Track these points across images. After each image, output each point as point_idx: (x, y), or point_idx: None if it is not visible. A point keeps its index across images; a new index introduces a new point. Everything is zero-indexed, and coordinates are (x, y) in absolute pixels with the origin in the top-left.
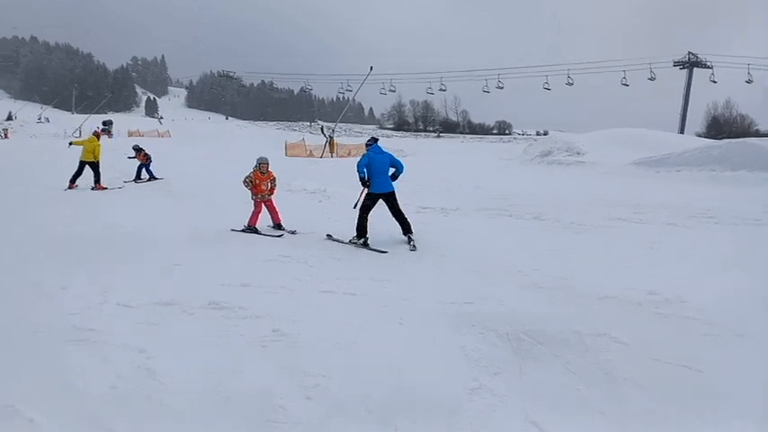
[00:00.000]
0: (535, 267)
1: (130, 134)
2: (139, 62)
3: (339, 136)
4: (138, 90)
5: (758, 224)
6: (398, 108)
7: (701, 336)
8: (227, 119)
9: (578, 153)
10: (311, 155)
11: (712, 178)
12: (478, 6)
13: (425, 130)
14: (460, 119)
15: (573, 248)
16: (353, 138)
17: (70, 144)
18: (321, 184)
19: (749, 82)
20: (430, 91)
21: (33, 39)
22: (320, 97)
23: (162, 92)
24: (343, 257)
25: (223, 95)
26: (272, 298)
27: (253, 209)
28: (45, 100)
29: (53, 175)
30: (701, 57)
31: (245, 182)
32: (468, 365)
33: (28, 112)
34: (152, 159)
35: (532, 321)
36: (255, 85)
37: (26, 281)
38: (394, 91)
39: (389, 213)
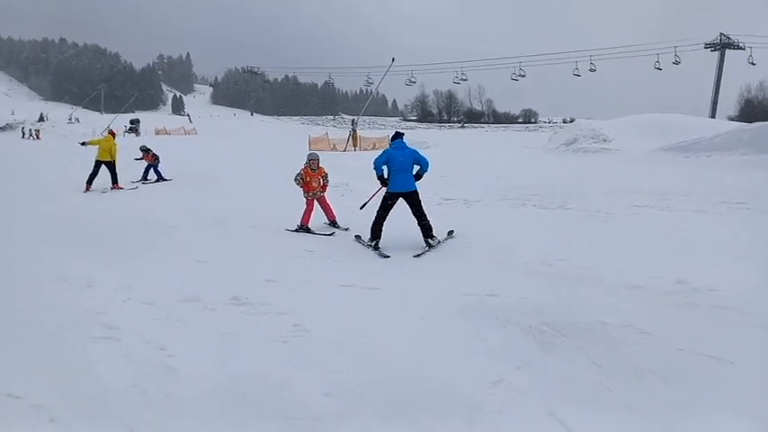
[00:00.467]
0: (560, 257)
1: (157, 132)
2: (165, 60)
3: (362, 129)
4: (165, 88)
5: None
6: (422, 99)
7: (732, 326)
8: (251, 114)
9: (604, 140)
10: (334, 148)
11: (743, 163)
12: None
13: (449, 121)
14: (485, 108)
15: (598, 237)
16: (377, 130)
17: (83, 144)
18: (344, 178)
19: None
20: (456, 80)
21: (62, 40)
22: (343, 90)
23: (188, 89)
24: (366, 251)
25: (248, 91)
26: (295, 293)
27: (305, 207)
28: (75, 100)
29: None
30: (734, 38)
31: (295, 179)
32: (490, 359)
33: (58, 112)
34: (160, 160)
35: (556, 313)
36: (279, 79)
37: (54, 276)
38: (415, 82)
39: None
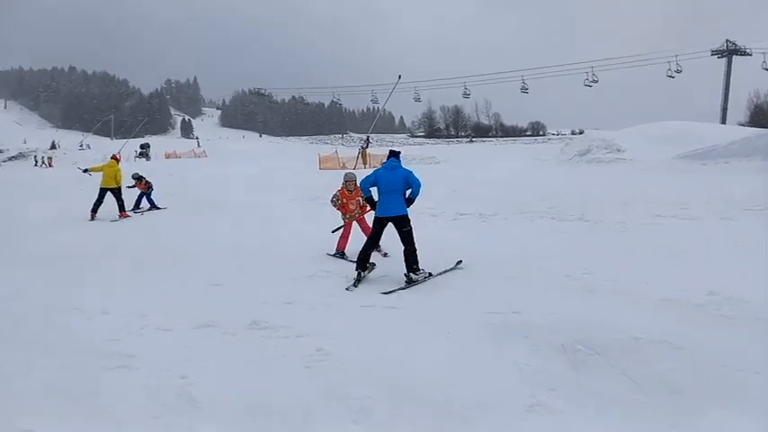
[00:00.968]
0: (584, 271)
1: (167, 156)
2: (173, 84)
3: (371, 146)
4: (173, 112)
5: None
6: (429, 115)
7: None
8: (260, 136)
9: (618, 150)
10: (344, 167)
11: (763, 169)
12: (505, 7)
13: (457, 136)
14: (492, 122)
15: (621, 249)
16: (385, 147)
17: (86, 170)
18: None
19: None
20: (466, 94)
21: (72, 68)
22: (350, 109)
23: (196, 113)
24: (383, 270)
25: (255, 113)
26: (314, 315)
27: (341, 231)
28: (85, 127)
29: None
30: (740, 44)
31: (332, 201)
32: (522, 381)
33: (69, 139)
34: (153, 188)
35: (587, 330)
36: (287, 100)
37: (68, 305)
38: (419, 100)
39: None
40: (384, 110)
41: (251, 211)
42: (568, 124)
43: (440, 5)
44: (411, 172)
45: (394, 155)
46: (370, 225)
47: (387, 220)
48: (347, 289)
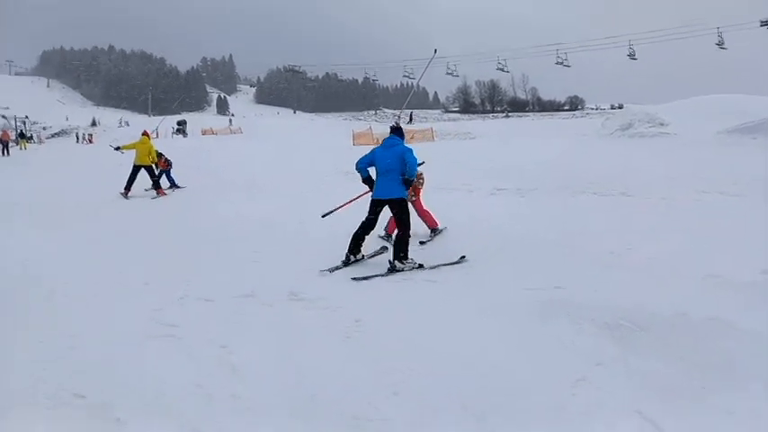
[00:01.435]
0: (628, 247)
1: (204, 132)
2: (209, 62)
3: (402, 122)
4: (209, 89)
5: None
6: (464, 90)
7: None
8: (294, 113)
9: (661, 124)
10: (378, 143)
11: None
12: None
13: (493, 111)
14: (529, 96)
15: (665, 225)
16: (419, 124)
17: (117, 148)
18: None
19: None
20: (500, 67)
21: (111, 48)
22: (384, 85)
23: (231, 90)
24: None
25: (290, 90)
26: (352, 288)
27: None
28: (124, 105)
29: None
30: None
31: None
32: (566, 357)
33: (109, 117)
34: (172, 165)
35: (632, 305)
36: (321, 77)
37: (112, 278)
38: (456, 75)
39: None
40: (418, 85)
41: (286, 188)
42: (607, 99)
43: None
44: (410, 150)
45: (395, 131)
46: (427, 209)
47: (382, 203)
48: (329, 270)
